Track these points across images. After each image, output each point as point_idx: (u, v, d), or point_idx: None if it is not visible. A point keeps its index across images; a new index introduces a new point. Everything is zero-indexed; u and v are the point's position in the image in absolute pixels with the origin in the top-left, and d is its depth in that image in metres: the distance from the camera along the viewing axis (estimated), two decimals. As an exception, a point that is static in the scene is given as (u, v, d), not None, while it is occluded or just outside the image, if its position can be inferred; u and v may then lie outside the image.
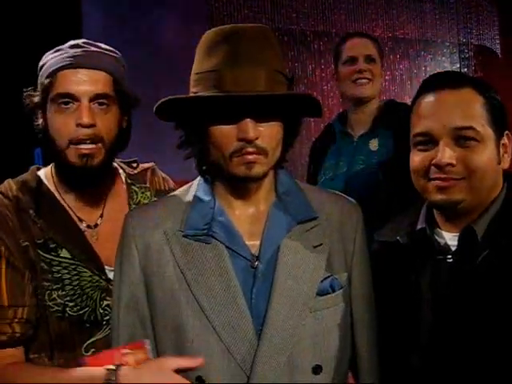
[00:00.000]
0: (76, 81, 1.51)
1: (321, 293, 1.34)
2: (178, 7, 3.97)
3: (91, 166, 1.53)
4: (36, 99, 1.56)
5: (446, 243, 1.40)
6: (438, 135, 1.35)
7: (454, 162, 1.33)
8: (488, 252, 1.32)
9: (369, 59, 2.54)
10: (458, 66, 5.24)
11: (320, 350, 1.32)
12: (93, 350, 1.47)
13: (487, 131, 1.35)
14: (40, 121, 1.58)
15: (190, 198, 1.39)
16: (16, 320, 1.44)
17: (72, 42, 1.58)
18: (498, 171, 1.39)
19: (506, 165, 1.40)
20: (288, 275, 1.32)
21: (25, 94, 1.59)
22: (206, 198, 1.37)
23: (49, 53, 1.59)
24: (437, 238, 1.42)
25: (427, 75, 4.88)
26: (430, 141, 1.36)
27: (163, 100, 1.28)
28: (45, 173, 1.64)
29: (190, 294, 1.31)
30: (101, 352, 1.36)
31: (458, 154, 1.33)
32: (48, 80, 1.53)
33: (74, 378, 1.34)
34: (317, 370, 1.31)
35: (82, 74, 1.52)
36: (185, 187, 1.45)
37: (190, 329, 1.30)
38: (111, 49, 1.62)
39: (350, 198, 1.50)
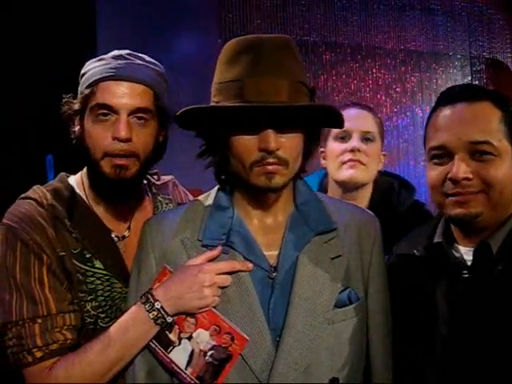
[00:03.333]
0: (117, 93, 1.49)
1: (338, 305, 1.33)
2: (189, 19, 3.97)
3: (124, 178, 1.50)
4: (75, 107, 1.54)
5: (461, 257, 1.39)
6: (453, 149, 1.33)
7: (470, 175, 1.31)
8: (503, 267, 1.31)
9: (366, 138, 2.04)
10: (470, 78, 5.23)
11: (337, 362, 1.31)
12: None
13: (504, 145, 1.33)
14: (77, 128, 1.55)
15: (208, 207, 1.39)
16: (65, 327, 1.41)
17: (116, 53, 1.55)
18: None
19: None
20: (306, 287, 1.31)
21: (64, 100, 1.56)
22: (225, 207, 1.37)
23: (91, 61, 1.56)
24: (453, 252, 1.40)
25: (438, 88, 4.90)
26: (445, 154, 1.35)
27: (185, 109, 1.28)
28: (75, 181, 1.61)
29: None
30: None
31: (474, 168, 1.32)
32: (89, 90, 1.51)
33: (118, 331, 1.33)
34: (334, 382, 1.30)
35: (123, 87, 1.49)
36: (202, 196, 1.44)
37: None
38: (155, 62, 1.58)
39: (368, 211, 1.49)
